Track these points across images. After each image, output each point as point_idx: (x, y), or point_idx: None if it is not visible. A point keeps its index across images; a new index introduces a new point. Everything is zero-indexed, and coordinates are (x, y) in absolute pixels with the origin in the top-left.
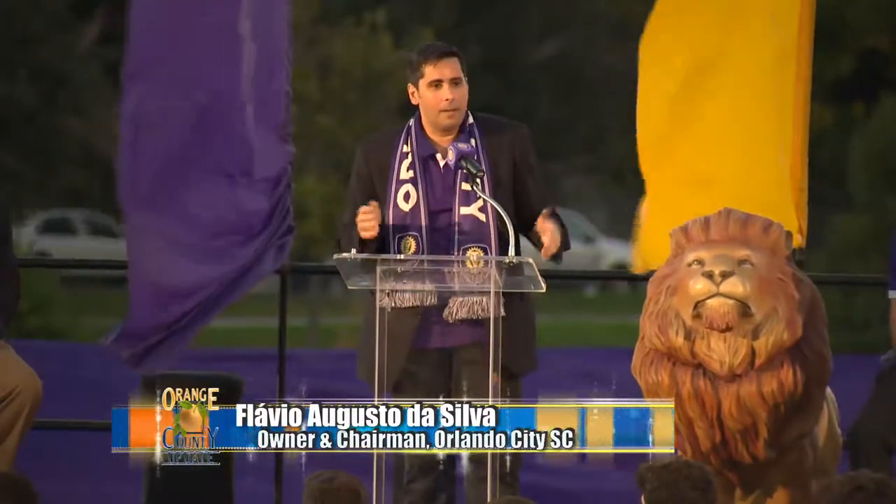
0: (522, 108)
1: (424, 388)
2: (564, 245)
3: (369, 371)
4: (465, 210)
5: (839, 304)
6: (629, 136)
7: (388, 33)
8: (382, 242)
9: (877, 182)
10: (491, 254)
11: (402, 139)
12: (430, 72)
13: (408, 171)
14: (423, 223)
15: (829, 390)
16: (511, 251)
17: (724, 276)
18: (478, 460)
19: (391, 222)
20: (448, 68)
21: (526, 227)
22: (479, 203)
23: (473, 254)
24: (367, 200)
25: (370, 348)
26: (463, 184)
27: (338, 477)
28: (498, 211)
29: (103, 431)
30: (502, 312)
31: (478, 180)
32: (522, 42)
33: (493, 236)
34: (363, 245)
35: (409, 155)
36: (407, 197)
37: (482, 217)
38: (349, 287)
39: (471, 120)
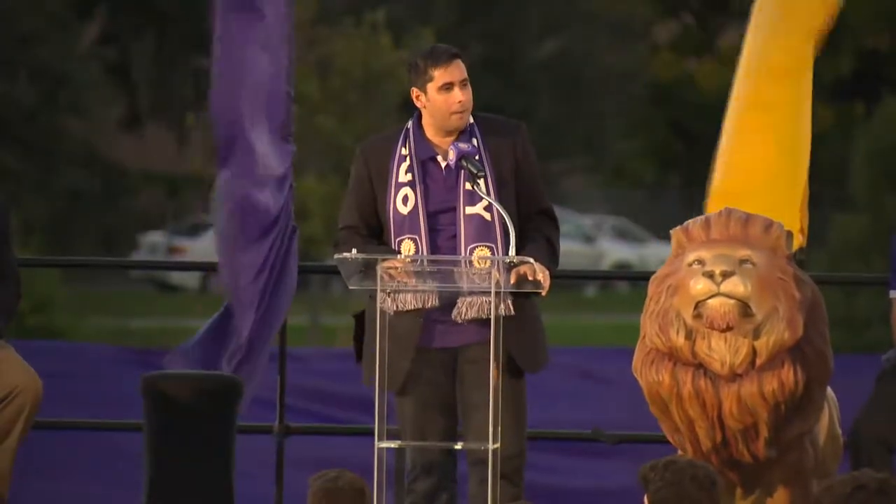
0: (522, 108)
1: (429, 389)
2: (554, 262)
3: (374, 375)
4: (469, 210)
5: (840, 304)
6: (629, 135)
7: (388, 33)
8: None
9: (877, 182)
10: (497, 253)
11: (400, 142)
12: (441, 75)
13: (406, 174)
14: (422, 226)
15: (829, 390)
16: (511, 251)
17: (725, 275)
18: (481, 460)
19: (391, 226)
20: (457, 70)
21: (521, 220)
22: (484, 203)
23: (480, 253)
24: (366, 203)
25: (374, 352)
26: (466, 183)
27: (342, 476)
28: (504, 214)
29: (103, 431)
30: (511, 311)
31: (479, 180)
32: (522, 42)
33: (499, 235)
34: None
35: (408, 158)
36: (405, 200)
37: (487, 216)
38: (350, 287)
39: (471, 120)
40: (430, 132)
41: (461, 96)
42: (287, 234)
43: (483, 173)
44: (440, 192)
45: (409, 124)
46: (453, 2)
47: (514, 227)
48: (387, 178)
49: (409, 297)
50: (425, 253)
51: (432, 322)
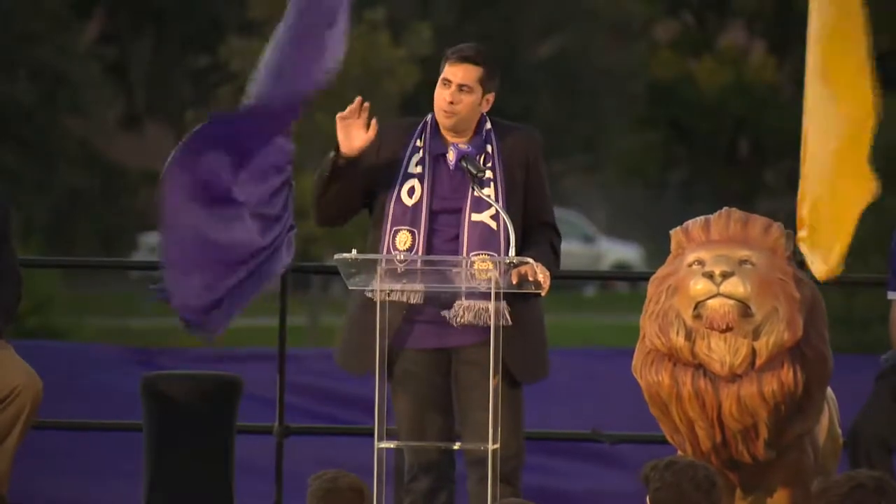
0: (522, 108)
1: (425, 389)
2: (555, 267)
3: (345, 359)
4: (476, 217)
5: (839, 305)
6: (629, 135)
7: (387, 31)
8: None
9: (877, 182)
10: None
11: (416, 133)
12: (446, 70)
13: (416, 166)
14: (423, 221)
15: (829, 390)
16: (511, 251)
17: (725, 276)
18: (479, 460)
19: (391, 215)
20: (461, 73)
21: (525, 230)
22: (492, 211)
23: (479, 258)
24: (362, 172)
25: (350, 337)
26: (476, 190)
27: (342, 476)
28: (505, 217)
29: (103, 431)
30: (508, 321)
31: (479, 181)
32: (522, 42)
33: (502, 245)
34: (339, 171)
35: (421, 150)
36: (411, 192)
37: (493, 225)
38: (349, 287)
39: (488, 125)
40: (441, 128)
41: (450, 97)
42: (287, 228)
43: (482, 173)
44: (445, 192)
45: (428, 117)
46: (453, 1)
47: (516, 230)
48: (395, 164)
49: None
50: (421, 248)
51: (428, 322)
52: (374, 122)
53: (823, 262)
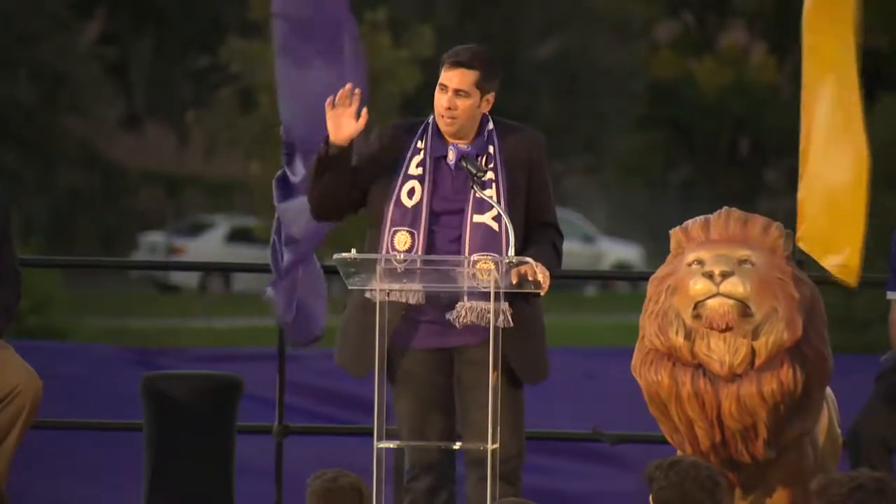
0: (522, 108)
1: (427, 388)
2: (556, 266)
3: (345, 360)
4: (478, 218)
5: (839, 305)
6: (629, 135)
7: (388, 32)
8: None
9: (876, 182)
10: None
11: (418, 134)
12: (443, 75)
13: (417, 167)
14: (423, 222)
15: (828, 390)
16: (511, 251)
17: (724, 276)
18: (479, 459)
19: (390, 216)
20: (457, 78)
21: (527, 230)
22: (493, 212)
23: (481, 259)
24: (358, 172)
25: (348, 338)
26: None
27: (342, 476)
28: (505, 217)
29: (103, 431)
30: (510, 323)
31: (479, 181)
32: (522, 42)
33: (503, 246)
34: (329, 160)
35: (422, 152)
36: (411, 193)
37: (495, 226)
38: (349, 287)
39: (490, 126)
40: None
41: (447, 103)
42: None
43: (482, 173)
44: (447, 193)
45: (430, 119)
46: (454, 1)
47: (518, 230)
48: (395, 165)
49: (395, 290)
50: (421, 249)
51: (430, 322)
52: (364, 111)
53: (844, 263)
